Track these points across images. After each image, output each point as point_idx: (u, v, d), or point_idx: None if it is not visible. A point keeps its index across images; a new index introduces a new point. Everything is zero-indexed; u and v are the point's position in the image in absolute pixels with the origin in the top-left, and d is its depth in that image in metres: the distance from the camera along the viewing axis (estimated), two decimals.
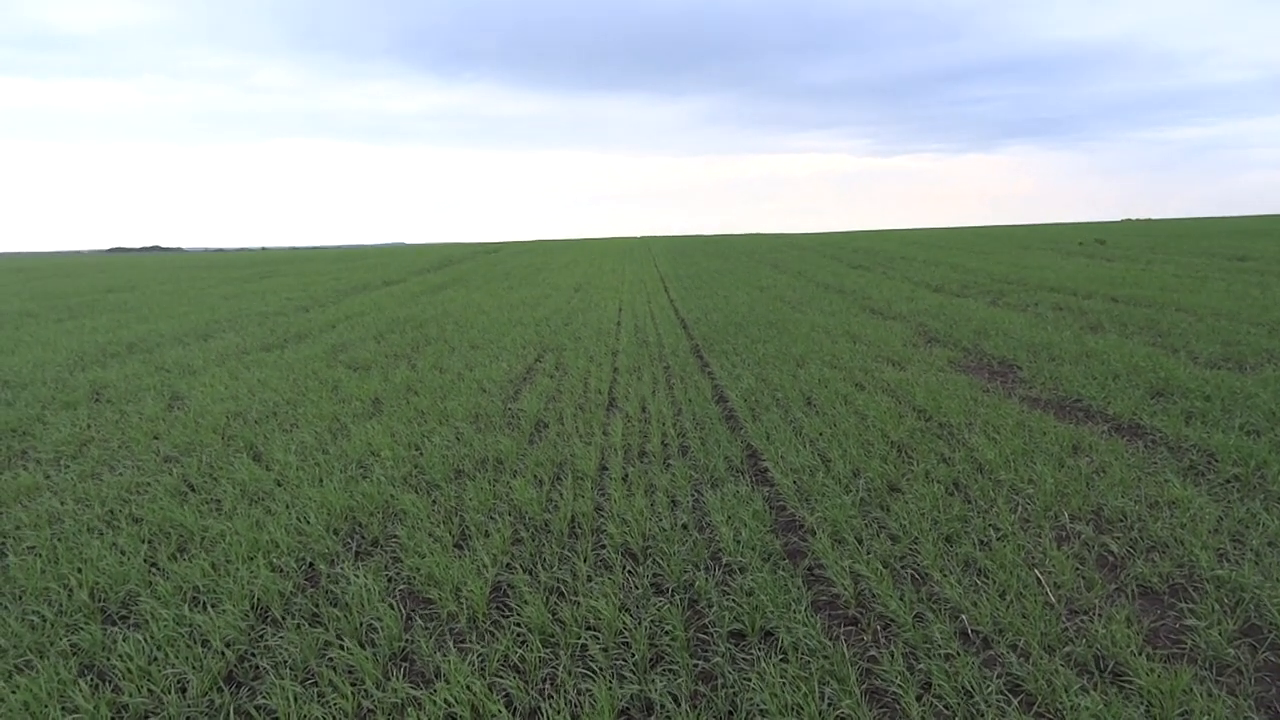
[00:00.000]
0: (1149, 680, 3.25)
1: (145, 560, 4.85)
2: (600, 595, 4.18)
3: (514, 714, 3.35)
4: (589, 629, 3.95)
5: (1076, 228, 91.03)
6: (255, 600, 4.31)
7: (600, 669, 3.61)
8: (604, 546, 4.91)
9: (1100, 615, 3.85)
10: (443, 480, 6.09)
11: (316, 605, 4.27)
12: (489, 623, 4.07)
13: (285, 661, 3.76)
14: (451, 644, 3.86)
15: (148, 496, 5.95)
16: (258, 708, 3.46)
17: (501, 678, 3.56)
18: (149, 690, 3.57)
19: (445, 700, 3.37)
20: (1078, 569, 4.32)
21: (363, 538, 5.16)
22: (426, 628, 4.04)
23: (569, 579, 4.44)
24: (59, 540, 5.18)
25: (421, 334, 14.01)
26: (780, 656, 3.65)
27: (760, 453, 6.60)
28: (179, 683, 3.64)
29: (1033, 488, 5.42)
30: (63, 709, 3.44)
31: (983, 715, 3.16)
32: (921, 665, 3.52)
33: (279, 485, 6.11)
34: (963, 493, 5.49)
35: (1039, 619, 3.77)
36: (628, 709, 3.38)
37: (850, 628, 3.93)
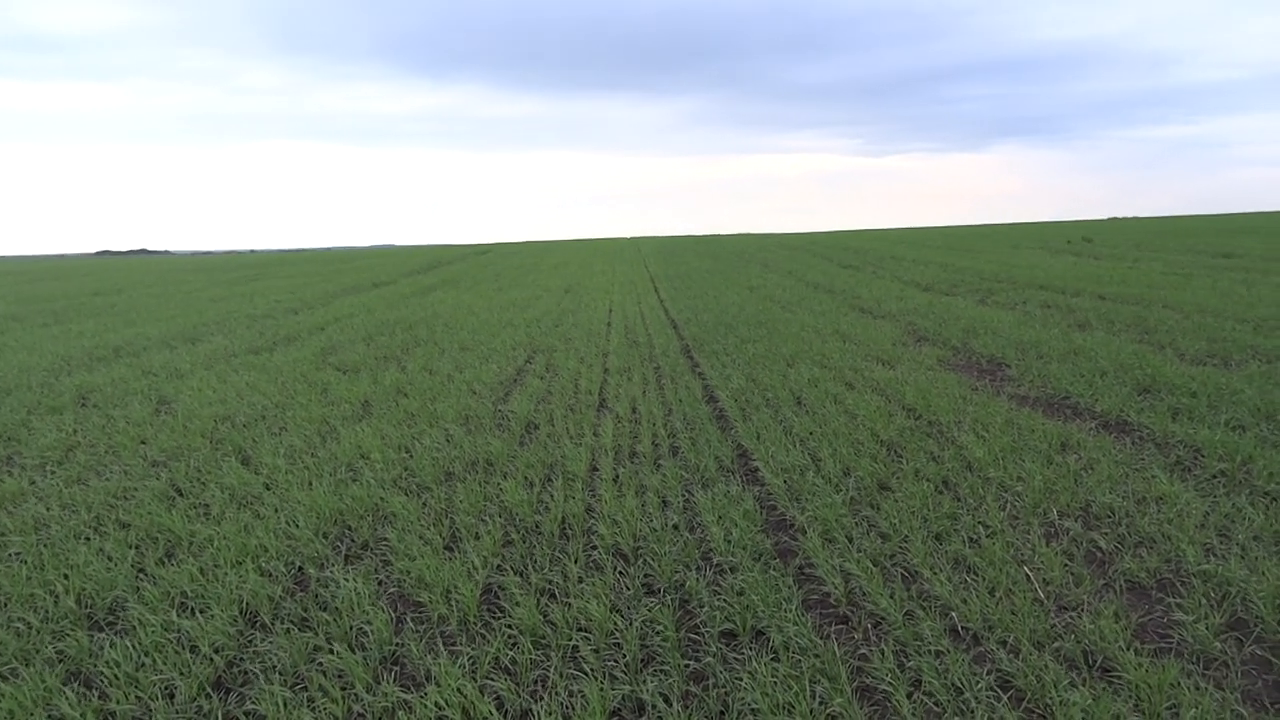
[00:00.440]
0: (1137, 675, 3.27)
1: (132, 566, 4.82)
2: (591, 596, 4.18)
3: (505, 716, 3.34)
4: (580, 630, 3.95)
5: (1064, 226, 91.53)
6: (244, 605, 4.29)
7: (592, 670, 3.60)
8: (595, 547, 4.90)
9: (1089, 611, 3.87)
10: (433, 482, 6.07)
11: (306, 609, 4.25)
12: (480, 625, 4.06)
13: (274, 666, 3.74)
14: (442, 647, 3.85)
15: (135, 501, 5.91)
16: (247, 713, 3.44)
17: (493, 680, 3.56)
18: (136, 697, 3.55)
19: (436, 703, 3.36)
20: (1066, 565, 4.34)
21: (352, 541, 5.14)
22: (417, 631, 4.02)
23: (560, 580, 4.43)
24: (45, 546, 5.14)
25: (411, 336, 13.98)
26: (771, 656, 3.65)
27: (751, 452, 6.61)
28: (167, 689, 3.62)
29: (1021, 485, 5.45)
30: (49, 717, 3.42)
31: (973, 712, 3.17)
32: (912, 663, 3.53)
33: (268, 489, 6.08)
34: (952, 491, 5.51)
35: (1028, 615, 3.79)
36: (619, 710, 3.38)
37: (841, 626, 3.94)
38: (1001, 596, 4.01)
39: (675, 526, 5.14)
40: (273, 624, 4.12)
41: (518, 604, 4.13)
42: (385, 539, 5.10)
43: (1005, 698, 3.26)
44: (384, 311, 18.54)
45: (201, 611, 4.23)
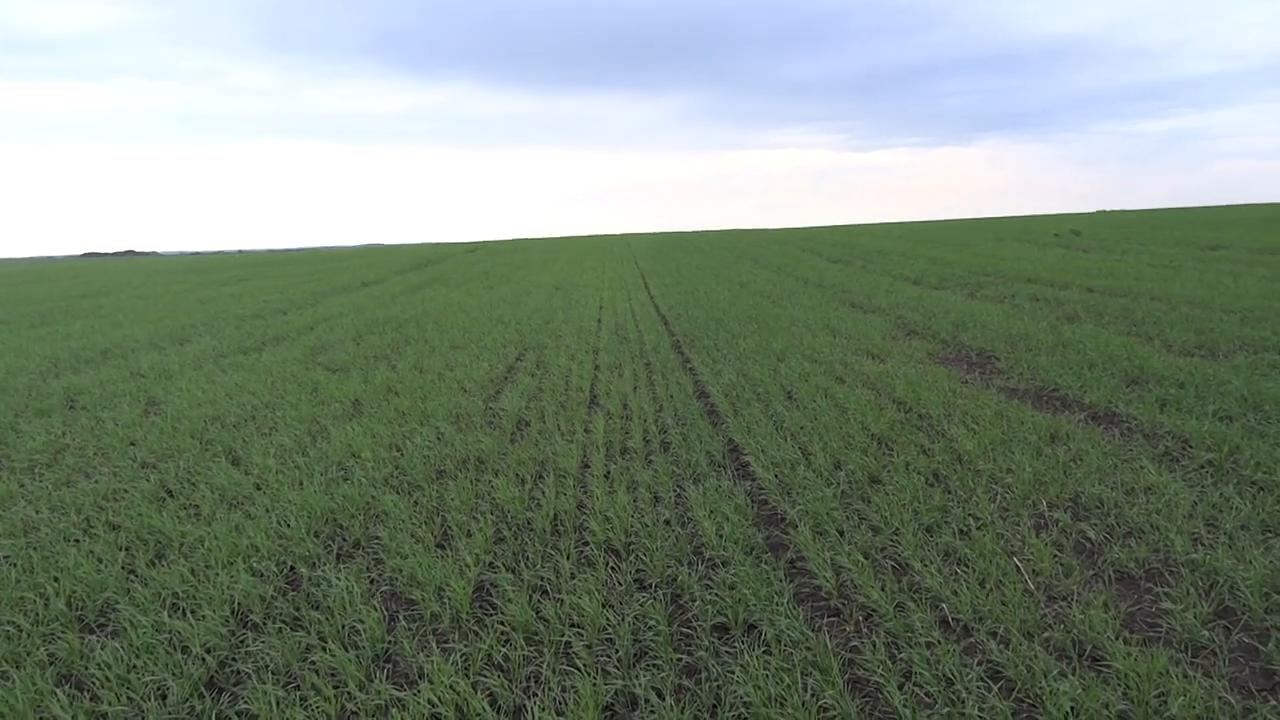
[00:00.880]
0: (1126, 664, 3.29)
1: (123, 567, 4.80)
2: (583, 592, 4.18)
3: (499, 712, 3.35)
4: (573, 626, 3.95)
5: (1052, 219, 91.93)
6: (235, 605, 4.28)
7: (584, 665, 3.61)
8: (587, 544, 4.91)
9: (1078, 601, 3.90)
10: (424, 481, 6.06)
11: (298, 609, 4.24)
12: (472, 622, 4.06)
13: (267, 666, 3.73)
14: (435, 644, 3.85)
15: (125, 503, 5.89)
16: (239, 713, 3.44)
17: (485, 676, 3.56)
18: (128, 698, 3.54)
19: (429, 700, 3.36)
20: (1056, 556, 4.37)
21: (344, 540, 5.14)
22: (410, 628, 4.02)
23: (552, 577, 4.44)
24: (34, 549, 5.12)
25: (401, 335, 13.94)
26: (763, 649, 3.66)
27: (742, 447, 6.62)
28: (159, 690, 3.61)
29: (1011, 477, 5.48)
30: (40, 719, 3.40)
31: (963, 702, 3.19)
32: (903, 654, 3.55)
33: (258, 489, 6.06)
34: (942, 483, 5.54)
35: (1018, 606, 3.81)
36: (612, 704, 3.39)
37: (832, 619, 3.96)
38: (992, 588, 4.03)
39: (667, 522, 5.15)
40: (265, 624, 4.12)
41: (510, 601, 4.13)
42: (377, 537, 5.10)
43: (995, 688, 3.28)
44: (373, 310, 18.49)
45: (193, 612, 4.22)
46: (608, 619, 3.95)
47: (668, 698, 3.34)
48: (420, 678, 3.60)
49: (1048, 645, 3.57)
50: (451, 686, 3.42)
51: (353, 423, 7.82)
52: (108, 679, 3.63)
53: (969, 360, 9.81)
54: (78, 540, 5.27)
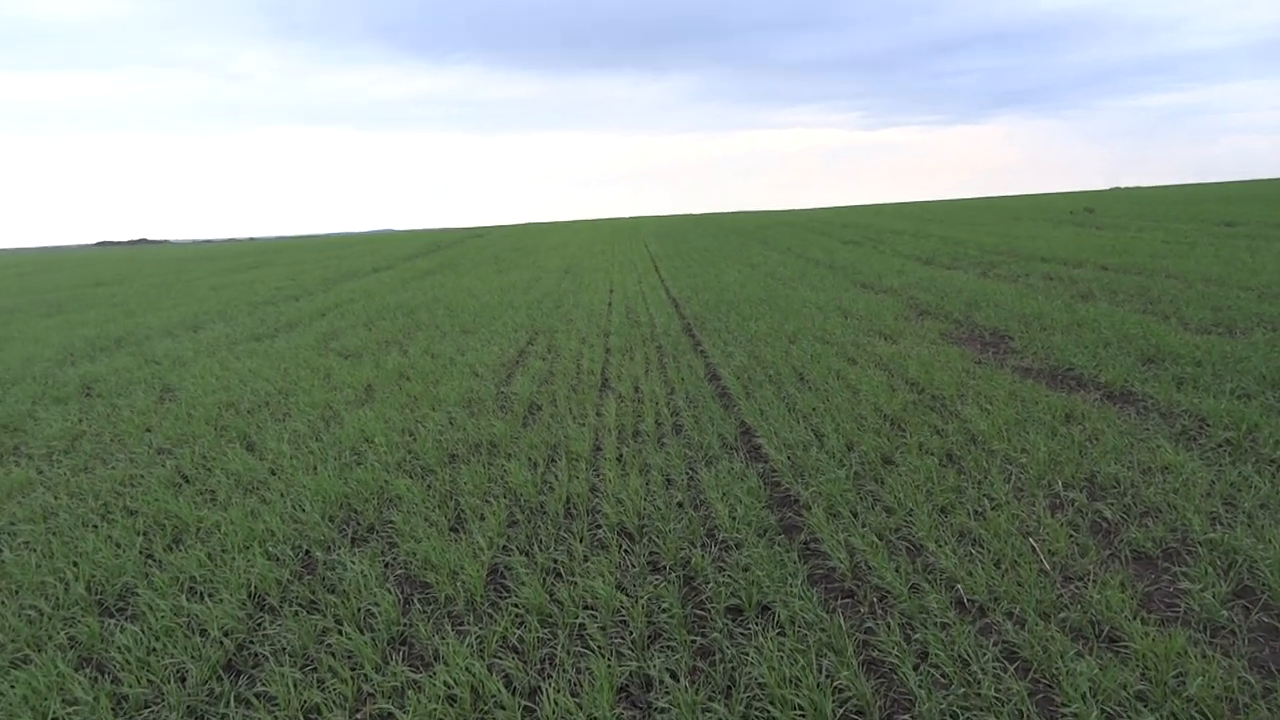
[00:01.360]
0: (1143, 644, 3.27)
1: (141, 552, 4.84)
2: (597, 575, 4.19)
3: (514, 694, 3.36)
4: (586, 608, 3.96)
5: (1065, 197, 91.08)
6: (252, 589, 4.31)
7: (599, 647, 3.62)
8: (600, 526, 4.91)
9: (1095, 581, 3.88)
10: (437, 465, 6.08)
11: (314, 592, 4.27)
12: (487, 604, 4.07)
13: (284, 649, 3.76)
14: (450, 627, 3.87)
15: (142, 489, 5.93)
16: (258, 695, 3.47)
17: (500, 658, 3.57)
18: (148, 680, 3.57)
19: (445, 682, 3.38)
20: (1072, 536, 4.34)
21: (358, 524, 5.16)
22: (424, 611, 4.04)
23: (565, 559, 4.45)
24: (54, 534, 5.17)
25: (412, 320, 13.96)
26: (778, 630, 3.66)
27: (754, 429, 6.60)
28: (178, 672, 3.64)
29: (1026, 457, 5.44)
30: (62, 701, 3.44)
31: (979, 683, 3.18)
32: (918, 635, 3.54)
33: (273, 474, 6.10)
34: (956, 464, 5.51)
35: (1034, 586, 3.80)
36: (627, 686, 3.40)
37: (847, 600, 3.95)
38: (1007, 568, 4.02)
39: (679, 504, 5.14)
40: (281, 607, 4.15)
41: (524, 583, 4.15)
42: (391, 521, 5.12)
43: (1011, 668, 3.27)
44: (384, 296, 18.52)
45: (210, 596, 4.25)
46: (621, 601, 3.96)
47: (682, 679, 3.35)
48: (435, 660, 3.62)
49: (1064, 625, 3.55)
50: (467, 668, 3.44)
51: (365, 408, 7.85)
52: (128, 661, 3.67)
53: (982, 340, 9.74)
54: (96, 525, 5.32)
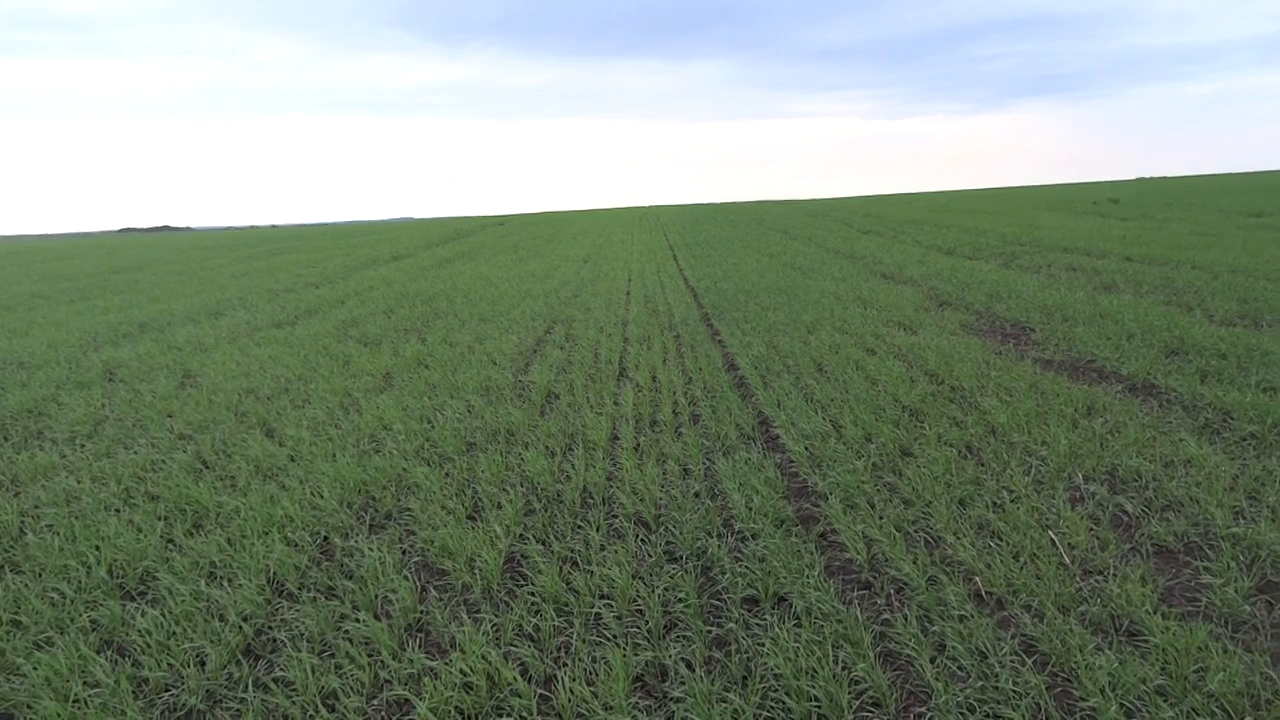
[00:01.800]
0: (1164, 638, 3.24)
1: (162, 537, 4.90)
2: (613, 564, 4.20)
3: (530, 682, 3.37)
4: (602, 597, 3.97)
5: (1090, 187, 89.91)
6: (271, 575, 4.34)
7: (614, 636, 3.62)
8: (616, 516, 4.92)
9: (1115, 575, 3.84)
10: (455, 453, 6.10)
11: (331, 579, 4.30)
12: (503, 593, 4.09)
13: (302, 634, 3.79)
14: (466, 614, 3.89)
15: (163, 474, 5.99)
16: (276, 679, 3.50)
17: (516, 647, 3.59)
18: (168, 664, 3.61)
19: (461, 670, 3.40)
20: (1092, 529, 4.30)
21: (376, 511, 5.19)
22: (441, 599, 4.06)
23: (582, 548, 4.45)
24: (76, 518, 5.23)
25: (431, 308, 14.01)
26: (794, 621, 3.65)
27: (771, 420, 6.58)
28: (198, 656, 3.68)
29: (1046, 449, 5.39)
30: (84, 683, 3.49)
31: (997, 676, 3.16)
32: (935, 628, 3.52)
33: (292, 461, 6.14)
34: (975, 456, 5.47)
35: (1053, 580, 3.76)
36: (642, 675, 3.40)
37: (864, 592, 3.93)
38: (1026, 561, 3.98)
39: (696, 494, 5.14)
40: (299, 593, 4.18)
41: (540, 572, 4.16)
42: (408, 509, 5.14)
43: (1030, 662, 3.24)
44: (403, 284, 18.59)
45: (230, 581, 4.30)
46: (638, 590, 3.96)
47: (698, 669, 3.35)
48: (452, 647, 3.64)
49: (1083, 619, 3.52)
50: (483, 656, 3.46)
51: (384, 395, 7.89)
52: (148, 645, 3.71)
53: (1003, 331, 9.65)
54: (118, 510, 5.38)
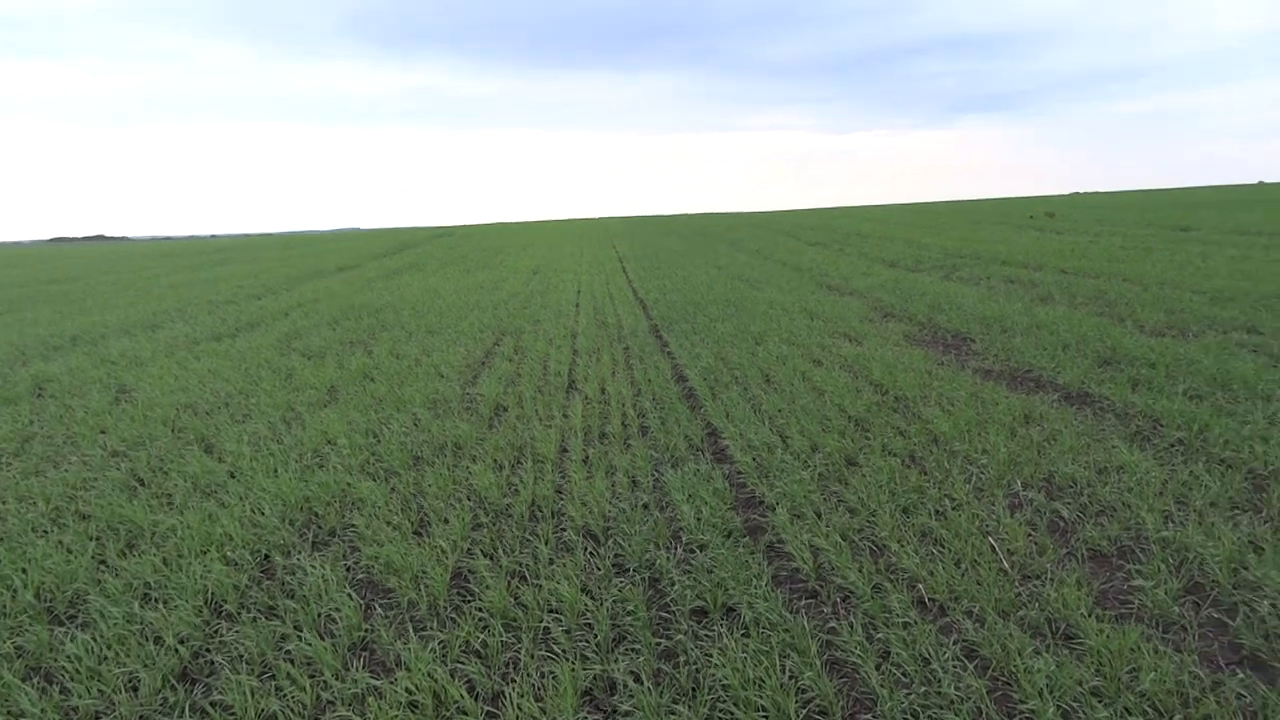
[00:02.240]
0: (1099, 640, 3.33)
1: (93, 558, 4.73)
2: (562, 577, 4.17)
3: (477, 699, 3.33)
4: (551, 611, 3.94)
5: (1027, 201, 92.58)
6: (209, 595, 4.22)
7: (563, 651, 3.60)
8: (565, 529, 4.89)
9: (1052, 579, 3.94)
10: (401, 467, 6.02)
11: (273, 598, 4.20)
12: (450, 609, 4.03)
13: (241, 655, 3.69)
14: (412, 631, 3.82)
15: (95, 492, 5.80)
16: (213, 703, 3.40)
17: (463, 663, 3.54)
18: (99, 690, 3.49)
19: (407, 688, 3.34)
20: (1030, 535, 4.41)
21: (319, 528, 5.09)
22: (387, 616, 3.99)
23: (530, 562, 4.42)
24: (1, 540, 5.03)
25: (377, 320, 13.82)
26: (742, 631, 3.67)
27: (720, 431, 6.62)
28: (130, 682, 3.56)
29: (986, 457, 5.52)
30: (8, 713, 3.35)
31: (940, 681, 3.21)
32: (880, 635, 3.57)
33: (232, 477, 5.99)
34: (919, 464, 5.57)
35: (993, 585, 3.85)
36: (591, 689, 3.39)
37: (810, 601, 3.97)
38: (967, 567, 4.06)
39: (645, 506, 5.14)
40: (239, 613, 4.07)
41: (488, 587, 4.11)
42: (353, 525, 5.05)
43: (971, 666, 3.30)
44: (349, 296, 18.31)
45: (165, 602, 4.17)
46: (586, 604, 3.94)
47: (646, 681, 3.34)
48: (397, 666, 3.58)
49: (1022, 623, 3.60)
50: (429, 674, 3.41)
51: (328, 409, 7.75)
52: (78, 671, 3.58)
53: (945, 342, 9.86)
54: (46, 531, 5.19)
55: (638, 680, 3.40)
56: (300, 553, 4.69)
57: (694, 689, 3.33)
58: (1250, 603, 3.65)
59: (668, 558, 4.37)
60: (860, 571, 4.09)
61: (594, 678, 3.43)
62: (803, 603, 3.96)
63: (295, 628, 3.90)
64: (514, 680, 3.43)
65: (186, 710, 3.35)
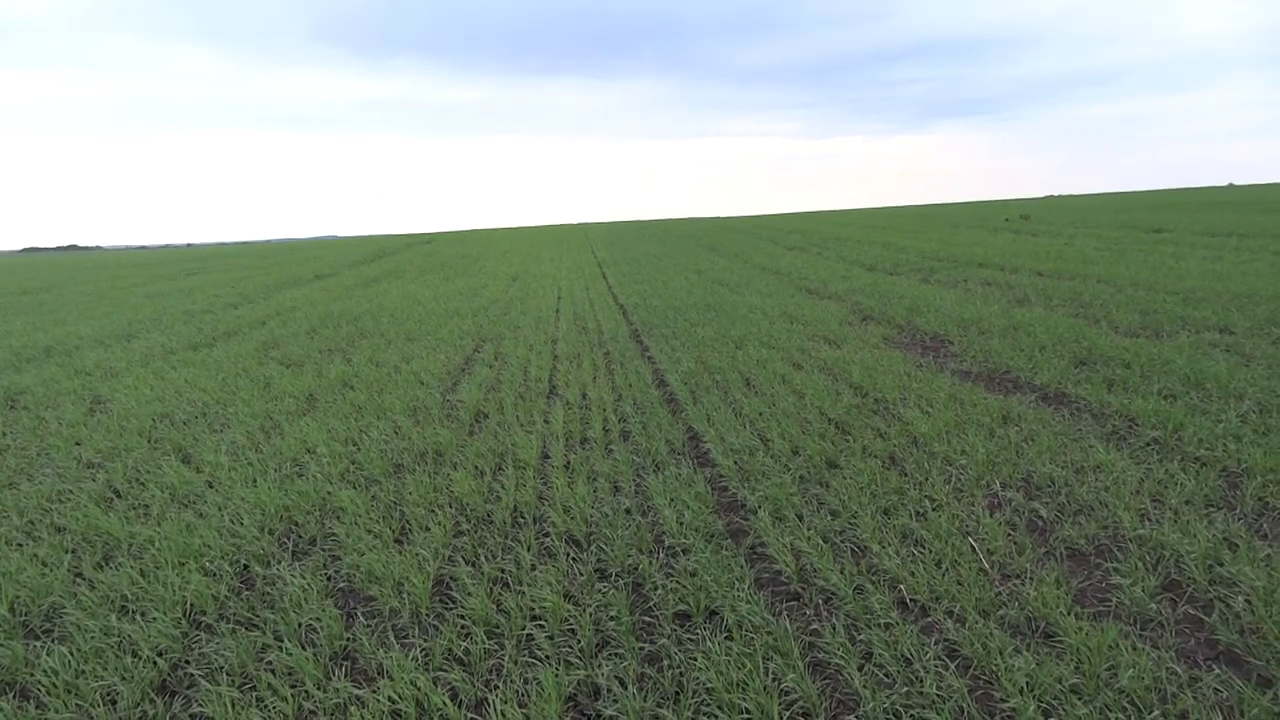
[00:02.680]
0: (1078, 638, 3.36)
1: (69, 570, 4.67)
2: (544, 584, 4.16)
3: (460, 707, 3.32)
4: (534, 618, 3.93)
5: (1002, 205, 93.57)
6: (188, 606, 4.18)
7: (546, 657, 3.59)
8: (547, 535, 4.88)
9: (1031, 579, 3.98)
10: (381, 475, 5.98)
11: (253, 608, 4.16)
12: (432, 617, 4.01)
13: (221, 667, 3.65)
14: (394, 640, 3.80)
15: (70, 505, 5.72)
16: (193, 716, 3.36)
17: (446, 671, 3.52)
18: (76, 705, 3.44)
19: (389, 697, 3.32)
20: (1009, 535, 4.45)
21: (300, 537, 5.04)
22: (368, 625, 3.97)
23: (513, 569, 4.41)
24: None
25: (356, 328, 13.73)
26: (725, 635, 3.68)
27: (701, 435, 6.64)
28: (108, 695, 3.51)
29: (965, 458, 5.56)
30: None
31: (921, 681, 3.23)
32: (862, 636, 3.58)
33: (210, 487, 5.93)
34: (899, 466, 5.61)
35: (974, 585, 3.88)
36: (575, 695, 3.38)
37: (793, 603, 3.99)
38: (948, 568, 4.10)
39: (627, 511, 5.14)
40: (218, 624, 4.03)
41: (470, 594, 4.10)
42: (333, 534, 5.02)
43: (953, 666, 3.33)
44: (327, 304, 18.18)
45: (143, 615, 4.11)
46: (569, 610, 3.93)
47: (630, 686, 3.34)
48: (380, 674, 3.55)
49: (1002, 623, 3.63)
50: (412, 682, 3.39)
51: (307, 418, 7.69)
52: (54, 685, 3.53)
53: (923, 344, 9.94)
54: (20, 544, 5.11)
55: (622, 685, 3.39)
56: (280, 562, 4.65)
57: (678, 692, 3.33)
58: (1226, 599, 3.70)
59: (650, 562, 4.37)
60: (842, 573, 4.11)
61: (578, 683, 3.43)
62: (785, 605, 3.97)
63: (276, 638, 3.86)
64: (497, 687, 3.41)
65: None
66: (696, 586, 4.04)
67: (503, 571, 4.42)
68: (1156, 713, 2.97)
